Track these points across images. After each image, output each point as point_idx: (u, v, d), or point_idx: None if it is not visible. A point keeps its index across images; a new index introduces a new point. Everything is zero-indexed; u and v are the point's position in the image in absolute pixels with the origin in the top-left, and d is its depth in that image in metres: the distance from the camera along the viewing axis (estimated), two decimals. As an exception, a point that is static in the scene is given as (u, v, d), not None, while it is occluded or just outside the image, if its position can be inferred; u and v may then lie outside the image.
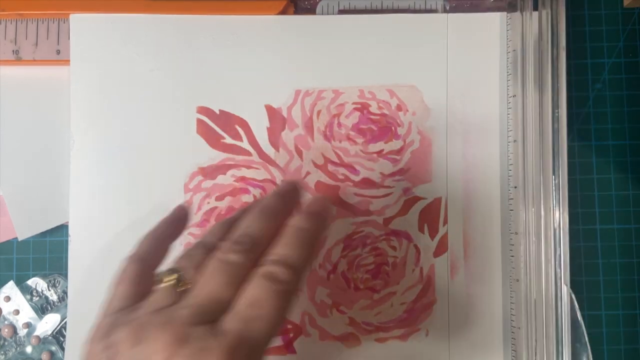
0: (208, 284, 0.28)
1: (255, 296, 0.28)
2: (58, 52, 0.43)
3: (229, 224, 0.33)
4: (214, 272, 0.29)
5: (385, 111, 0.41)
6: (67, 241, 0.43)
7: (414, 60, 0.42)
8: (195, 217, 0.41)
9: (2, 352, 0.43)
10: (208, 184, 0.41)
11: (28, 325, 0.43)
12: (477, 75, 0.42)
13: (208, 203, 0.41)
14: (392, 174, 0.41)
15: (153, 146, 0.42)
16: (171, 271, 0.30)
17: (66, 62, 0.43)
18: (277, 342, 0.41)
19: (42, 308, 0.43)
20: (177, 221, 0.35)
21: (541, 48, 0.39)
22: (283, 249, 0.30)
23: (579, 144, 0.44)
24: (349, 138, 0.41)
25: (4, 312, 0.43)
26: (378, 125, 0.41)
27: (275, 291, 0.28)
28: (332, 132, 0.41)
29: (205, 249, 0.31)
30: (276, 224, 0.32)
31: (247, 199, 0.41)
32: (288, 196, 0.34)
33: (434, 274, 0.41)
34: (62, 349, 0.43)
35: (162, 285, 0.29)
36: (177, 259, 0.31)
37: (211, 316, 0.28)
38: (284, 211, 0.33)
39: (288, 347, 0.40)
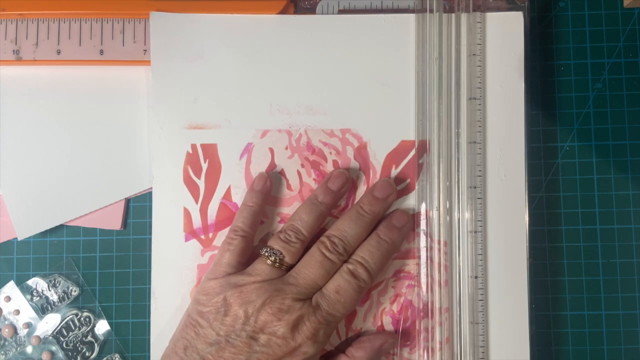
0: (310, 273, 0.38)
1: (340, 286, 0.38)
2: (58, 52, 0.43)
3: (318, 212, 0.40)
4: (316, 264, 0.38)
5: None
6: (67, 241, 0.43)
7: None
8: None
9: (2, 352, 0.43)
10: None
11: (28, 325, 0.43)
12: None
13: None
14: None
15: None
16: (273, 252, 0.38)
17: (66, 62, 0.43)
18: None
19: (43, 308, 0.43)
20: (266, 193, 0.41)
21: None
22: (367, 254, 0.39)
23: (579, 144, 0.44)
24: None
25: (5, 312, 0.43)
26: None
27: (356, 285, 0.38)
28: None
29: (299, 240, 0.39)
30: (369, 230, 0.40)
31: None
32: (386, 200, 0.40)
33: None
34: (62, 349, 0.43)
35: (268, 262, 0.38)
36: (276, 239, 0.39)
37: (307, 295, 0.38)
38: (379, 215, 0.40)
39: None
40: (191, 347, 0.37)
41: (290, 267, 0.39)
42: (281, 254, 0.38)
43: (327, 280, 0.38)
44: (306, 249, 0.39)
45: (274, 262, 0.38)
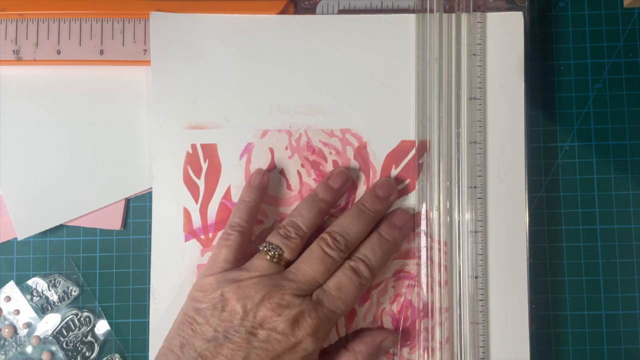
0: (310, 269, 0.38)
1: (342, 282, 0.38)
2: (58, 52, 0.43)
3: (318, 208, 0.40)
4: (316, 261, 0.38)
5: None
6: (67, 241, 0.43)
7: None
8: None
9: (2, 352, 0.43)
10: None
11: (28, 325, 0.43)
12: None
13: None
14: None
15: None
16: (272, 247, 0.38)
17: (66, 62, 0.43)
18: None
19: (43, 308, 0.43)
20: (264, 189, 0.41)
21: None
22: (369, 252, 0.39)
23: (579, 144, 0.44)
24: None
25: (5, 312, 0.43)
26: None
27: (357, 282, 0.38)
28: None
29: (299, 236, 0.39)
30: (370, 228, 0.40)
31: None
32: (388, 198, 0.41)
33: None
34: (62, 349, 0.43)
35: (267, 257, 0.38)
36: (275, 234, 0.39)
37: (307, 292, 0.37)
38: (381, 213, 0.40)
39: None
40: (188, 345, 0.37)
41: (289, 263, 0.39)
42: (280, 249, 0.38)
43: (327, 277, 0.38)
44: (305, 246, 0.39)
45: (273, 257, 0.38)
